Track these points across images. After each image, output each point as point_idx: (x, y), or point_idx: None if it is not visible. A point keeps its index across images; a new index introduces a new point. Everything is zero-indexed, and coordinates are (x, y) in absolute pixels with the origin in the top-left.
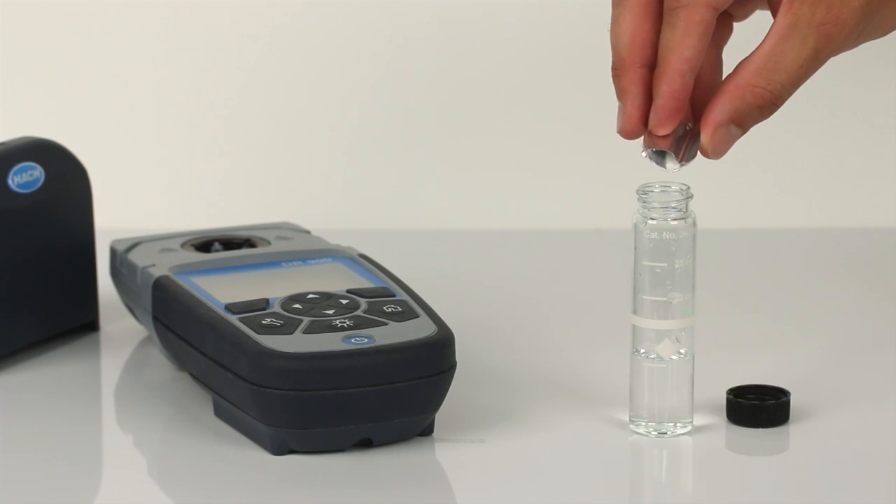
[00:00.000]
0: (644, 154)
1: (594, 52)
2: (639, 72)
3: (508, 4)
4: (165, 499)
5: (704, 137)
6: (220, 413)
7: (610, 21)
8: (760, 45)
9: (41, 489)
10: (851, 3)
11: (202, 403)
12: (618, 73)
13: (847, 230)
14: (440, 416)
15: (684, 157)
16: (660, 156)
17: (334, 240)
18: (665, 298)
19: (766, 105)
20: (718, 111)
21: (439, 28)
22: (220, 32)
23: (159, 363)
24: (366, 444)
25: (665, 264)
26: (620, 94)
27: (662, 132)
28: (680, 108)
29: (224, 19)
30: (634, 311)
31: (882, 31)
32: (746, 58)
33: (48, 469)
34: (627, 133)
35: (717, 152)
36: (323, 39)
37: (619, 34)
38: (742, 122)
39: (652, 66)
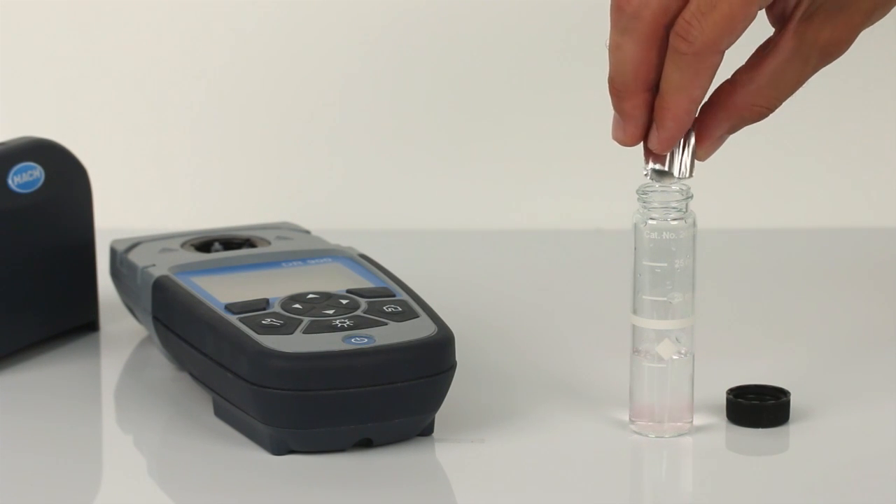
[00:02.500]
0: (646, 173)
1: (594, 53)
2: (642, 97)
3: (509, 4)
4: (165, 499)
5: (701, 150)
6: (220, 413)
7: (610, 42)
8: (762, 61)
9: (41, 489)
10: (854, 22)
11: (202, 403)
12: (620, 96)
13: (847, 230)
14: (440, 416)
15: (682, 170)
16: (660, 174)
17: (334, 240)
18: (665, 298)
19: (762, 118)
20: (716, 127)
21: (439, 28)
22: (219, 32)
23: (159, 363)
24: (366, 444)
25: (665, 264)
26: (623, 116)
27: (664, 153)
28: (682, 135)
29: (224, 19)
30: (634, 311)
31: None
32: (745, 72)
33: (48, 469)
34: (627, 145)
35: (708, 156)
36: (323, 39)
37: (624, 62)
38: (735, 131)
39: (653, 88)
